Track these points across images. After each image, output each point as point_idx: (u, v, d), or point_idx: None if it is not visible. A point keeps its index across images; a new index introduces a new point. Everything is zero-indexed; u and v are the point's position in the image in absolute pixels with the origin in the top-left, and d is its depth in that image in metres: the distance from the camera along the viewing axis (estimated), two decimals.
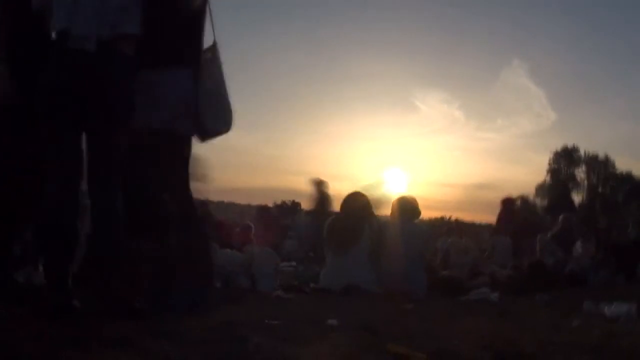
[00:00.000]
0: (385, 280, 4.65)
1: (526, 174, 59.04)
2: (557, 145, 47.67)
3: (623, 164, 45.85)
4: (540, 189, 48.23)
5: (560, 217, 7.76)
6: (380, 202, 5.94)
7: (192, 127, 2.85)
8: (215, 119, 2.90)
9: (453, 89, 62.89)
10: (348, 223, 4.89)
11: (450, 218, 16.70)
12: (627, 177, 43.90)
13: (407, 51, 61.27)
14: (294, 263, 7.36)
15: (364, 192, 5.22)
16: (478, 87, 63.97)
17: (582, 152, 47.17)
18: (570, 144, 47.06)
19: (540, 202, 48.13)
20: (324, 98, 62.29)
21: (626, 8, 52.27)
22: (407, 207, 5.09)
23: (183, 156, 2.94)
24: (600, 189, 46.15)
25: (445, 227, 10.52)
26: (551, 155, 47.54)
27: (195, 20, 2.88)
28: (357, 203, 5.03)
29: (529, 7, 57.15)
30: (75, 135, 2.59)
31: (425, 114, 55.77)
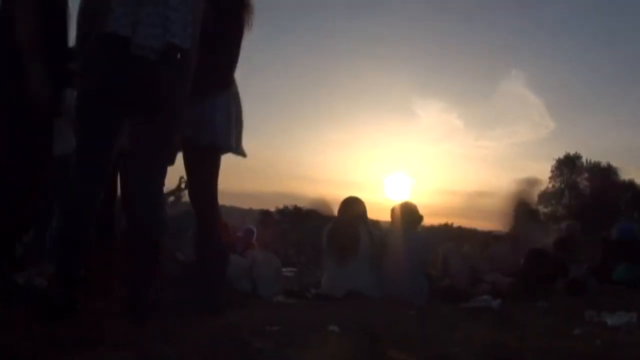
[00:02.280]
0: (386, 287, 4.64)
1: None
2: (556, 154, 47.77)
3: (623, 172, 45.88)
4: (543, 196, 48.27)
5: (563, 225, 7.73)
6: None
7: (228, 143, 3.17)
8: (238, 138, 3.23)
9: (452, 98, 63.40)
10: (347, 229, 4.87)
11: (452, 225, 16.69)
12: (629, 185, 43.83)
13: (407, 61, 61.76)
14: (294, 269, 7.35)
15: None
16: (477, 96, 64.44)
17: (584, 160, 47.20)
18: (569, 152, 47.15)
19: (542, 210, 48.18)
20: (327, 105, 62.72)
21: (624, 16, 52.43)
22: (410, 214, 5.08)
23: (217, 167, 3.23)
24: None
25: (448, 234, 10.51)
26: (553, 163, 47.59)
27: (234, 48, 3.20)
28: (355, 208, 5.02)
29: (527, 17, 57.44)
30: (110, 138, 2.69)
31: (425, 122, 56.13)
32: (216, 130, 3.07)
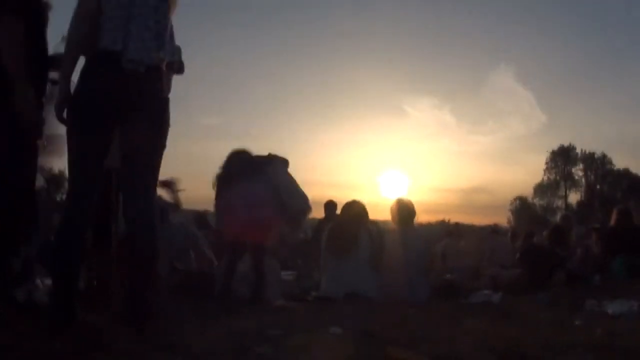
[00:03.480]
0: (386, 286, 4.64)
1: (520, 175, 59.52)
2: (549, 146, 47.96)
3: (616, 161, 46.20)
4: (539, 188, 48.42)
5: (559, 215, 7.77)
6: None
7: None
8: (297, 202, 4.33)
9: (443, 94, 63.78)
10: (345, 230, 4.90)
11: (449, 221, 16.72)
12: (625, 174, 44.01)
13: (396, 59, 61.94)
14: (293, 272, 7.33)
15: None
16: (468, 92, 64.92)
17: (578, 151, 47.36)
18: (563, 144, 47.32)
19: (538, 202, 48.33)
20: (318, 106, 62.86)
21: (609, 6, 52.72)
22: (406, 210, 5.09)
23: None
24: (598, 187, 46.25)
25: (446, 230, 10.51)
26: (548, 154, 47.74)
27: None
28: (354, 210, 5.06)
29: (513, 10, 57.74)
30: (102, 152, 2.68)
31: (417, 120, 56.35)
32: None
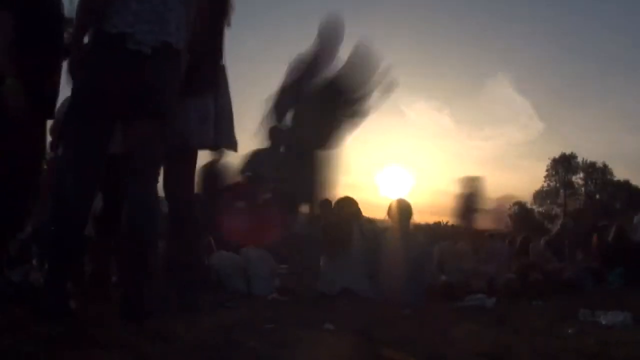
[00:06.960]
0: (382, 285, 4.64)
1: (516, 181, 59.74)
2: (546, 153, 47.99)
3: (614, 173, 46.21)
4: (538, 195, 48.42)
5: (558, 223, 7.77)
6: None
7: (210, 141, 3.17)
8: (226, 135, 3.25)
9: (441, 98, 63.94)
10: (339, 227, 4.91)
11: (447, 223, 16.71)
12: (625, 185, 44.00)
13: (395, 61, 61.97)
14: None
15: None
16: (465, 97, 65.14)
17: (579, 159, 47.33)
18: (564, 152, 47.31)
19: (537, 209, 48.33)
20: None
21: (607, 15, 52.60)
22: (405, 210, 5.10)
23: (194, 165, 3.25)
24: (597, 196, 46.25)
25: (441, 232, 10.51)
26: (549, 162, 47.73)
27: (215, 47, 3.19)
28: (347, 208, 5.07)
29: (512, 20, 57.69)
30: (103, 138, 2.65)
31: (415, 122, 56.54)
32: (190, 129, 3.04)
